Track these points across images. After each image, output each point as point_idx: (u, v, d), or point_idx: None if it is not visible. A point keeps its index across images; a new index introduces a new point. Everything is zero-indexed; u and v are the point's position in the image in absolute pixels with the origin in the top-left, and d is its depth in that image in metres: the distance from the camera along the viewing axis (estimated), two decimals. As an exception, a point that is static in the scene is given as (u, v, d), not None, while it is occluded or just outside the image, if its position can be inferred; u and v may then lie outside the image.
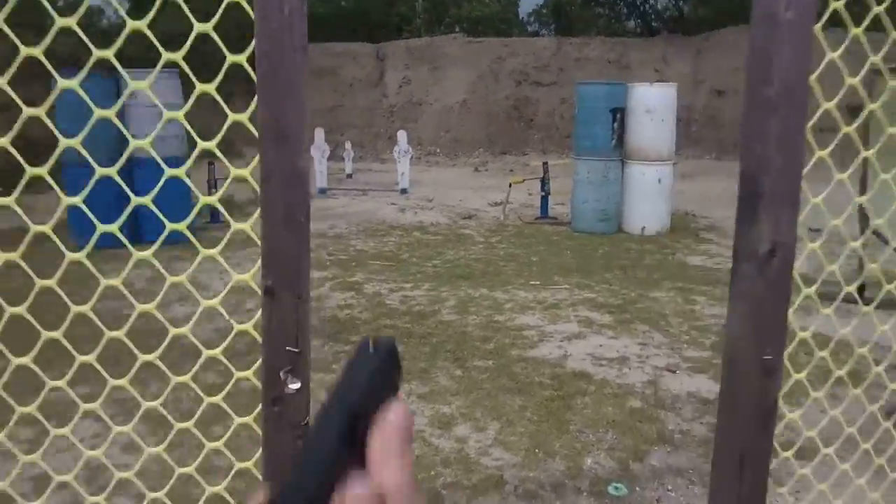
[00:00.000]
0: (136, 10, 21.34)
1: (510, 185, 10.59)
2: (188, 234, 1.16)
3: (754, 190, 0.94)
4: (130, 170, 8.04)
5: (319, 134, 12.48)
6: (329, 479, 0.33)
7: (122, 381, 1.22)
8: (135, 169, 8.03)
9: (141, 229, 8.15)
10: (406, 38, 21.36)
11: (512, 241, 8.88)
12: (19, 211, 1.13)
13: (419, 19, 25.06)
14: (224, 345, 1.36)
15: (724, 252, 8.76)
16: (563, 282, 6.90)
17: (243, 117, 0.95)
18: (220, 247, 1.12)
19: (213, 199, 1.10)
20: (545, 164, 10.38)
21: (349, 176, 14.28)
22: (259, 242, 0.91)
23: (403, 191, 12.49)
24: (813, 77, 0.94)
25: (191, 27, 0.89)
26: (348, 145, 14.72)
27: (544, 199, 10.17)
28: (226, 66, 0.93)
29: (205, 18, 0.94)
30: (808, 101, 0.94)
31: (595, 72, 17.87)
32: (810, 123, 0.97)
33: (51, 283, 1.08)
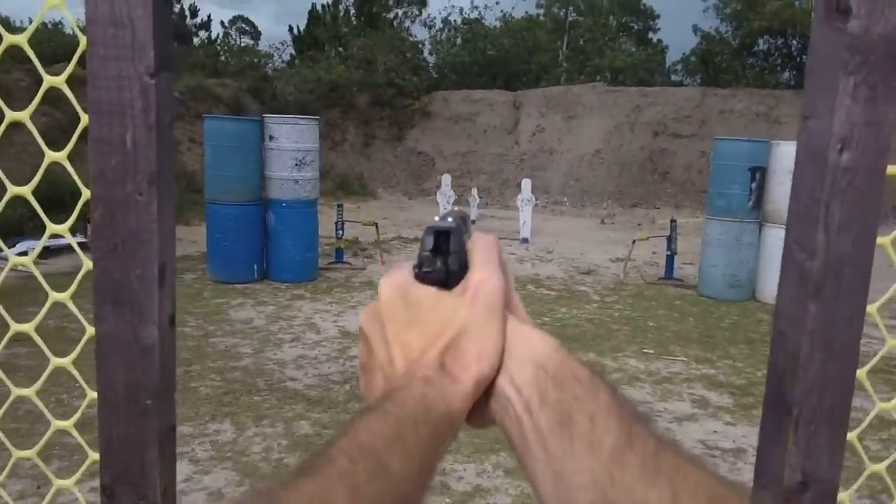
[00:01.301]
0: (300, 59, 23.06)
1: (633, 242, 10.17)
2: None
3: (782, 395, 0.76)
4: (266, 209, 8.58)
5: (447, 180, 12.69)
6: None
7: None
8: (269, 209, 8.57)
9: (270, 268, 8.64)
10: (544, 86, 21.45)
11: (629, 302, 8.46)
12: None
13: (561, 67, 25.14)
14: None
15: (872, 332, 7.78)
16: (681, 353, 6.45)
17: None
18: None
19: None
20: (673, 221, 9.89)
21: (473, 222, 14.37)
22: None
23: (524, 240, 12.37)
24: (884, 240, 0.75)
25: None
26: (475, 191, 14.87)
27: (670, 259, 9.67)
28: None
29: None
30: (868, 283, 0.74)
31: (740, 125, 16.95)
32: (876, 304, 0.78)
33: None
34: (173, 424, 0.77)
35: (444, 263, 0.47)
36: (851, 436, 0.86)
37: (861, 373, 0.82)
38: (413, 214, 15.36)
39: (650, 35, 30.82)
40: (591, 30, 26.95)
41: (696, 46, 26.00)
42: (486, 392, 0.45)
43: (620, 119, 18.63)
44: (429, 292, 0.47)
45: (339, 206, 10.14)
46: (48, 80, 0.70)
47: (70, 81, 0.72)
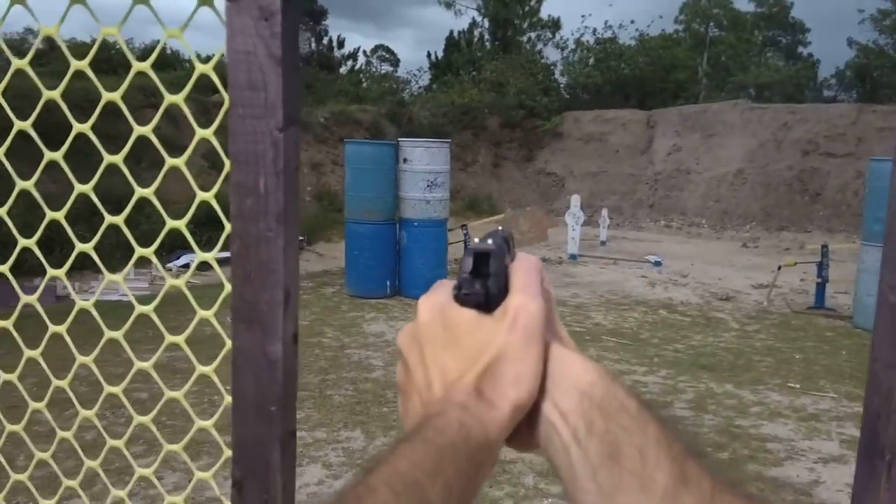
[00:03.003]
0: (436, 84, 23.85)
1: (779, 268, 9.54)
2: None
3: (876, 439, 0.74)
4: (399, 228, 8.97)
5: (576, 200, 12.57)
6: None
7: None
8: (402, 228, 8.93)
9: (402, 284, 8.98)
10: (681, 104, 20.72)
11: (773, 331, 7.94)
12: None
13: (700, 84, 24.18)
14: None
15: None
16: (831, 388, 5.96)
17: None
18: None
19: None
20: (824, 246, 9.18)
21: (603, 243, 14.11)
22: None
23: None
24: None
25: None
26: (605, 212, 14.59)
27: (820, 287, 8.97)
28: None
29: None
30: None
31: (905, 142, 15.46)
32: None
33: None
34: (293, 430, 0.87)
35: (483, 286, 0.46)
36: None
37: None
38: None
39: (800, 49, 28.92)
40: (734, 45, 25.71)
41: (852, 60, 24.10)
42: (530, 416, 0.44)
43: (765, 137, 17.58)
44: (467, 315, 0.46)
45: (464, 226, 10.35)
46: (199, 133, 0.84)
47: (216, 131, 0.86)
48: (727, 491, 0.39)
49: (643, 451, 0.40)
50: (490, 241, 0.47)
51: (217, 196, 0.88)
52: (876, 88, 21.54)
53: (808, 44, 29.38)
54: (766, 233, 16.33)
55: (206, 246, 0.92)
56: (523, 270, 0.47)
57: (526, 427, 0.45)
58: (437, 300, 0.48)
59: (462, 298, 0.46)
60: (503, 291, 0.46)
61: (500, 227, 0.52)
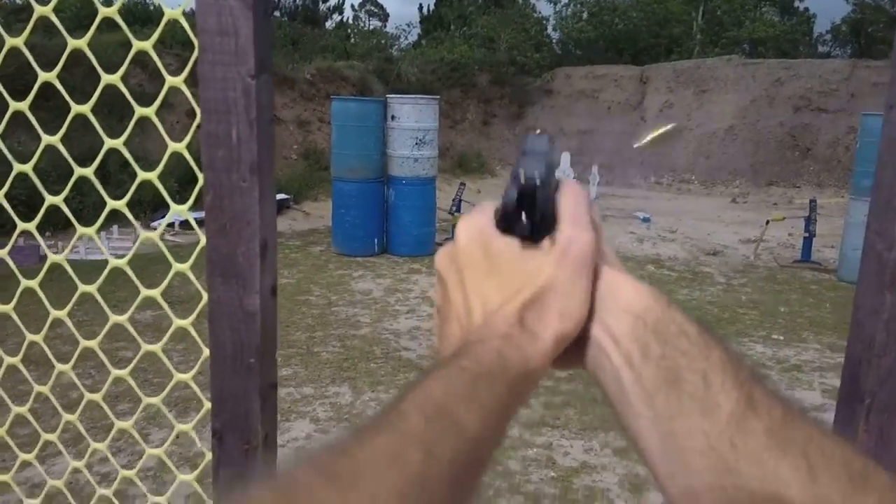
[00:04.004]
0: (426, 39, 23.41)
1: (767, 222, 9.59)
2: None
3: (856, 384, 0.74)
4: (387, 186, 8.91)
5: (566, 158, 12.48)
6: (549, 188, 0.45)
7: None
8: (390, 186, 8.88)
9: (390, 242, 8.98)
10: (675, 60, 20.47)
11: (759, 285, 8.02)
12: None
13: (695, 40, 23.86)
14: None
15: None
16: (814, 340, 6.06)
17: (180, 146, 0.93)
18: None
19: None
20: (812, 201, 9.22)
21: (594, 200, 14.10)
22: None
23: (646, 219, 12.00)
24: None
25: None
26: (595, 169, 14.53)
27: (807, 241, 9.04)
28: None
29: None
30: None
31: None
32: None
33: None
34: (274, 382, 0.88)
35: (529, 218, 0.44)
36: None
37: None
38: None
39: (796, 4, 28.46)
40: (730, 0, 25.28)
41: (848, 15, 23.78)
42: (577, 337, 0.43)
43: (758, 93, 17.45)
44: (512, 245, 0.44)
45: (462, 184, 10.29)
46: (169, 81, 0.82)
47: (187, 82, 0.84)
48: (799, 417, 0.37)
49: (706, 375, 0.39)
50: (535, 170, 0.44)
51: (194, 148, 0.86)
52: (871, 44, 21.32)
53: (805, -2, 28.93)
54: (755, 188, 16.35)
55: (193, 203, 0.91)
56: (573, 200, 0.45)
57: (573, 348, 0.44)
58: (479, 224, 0.46)
59: (507, 229, 0.44)
60: (550, 222, 0.44)
61: (542, 133, 0.48)
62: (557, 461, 3.79)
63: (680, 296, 7.39)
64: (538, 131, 0.49)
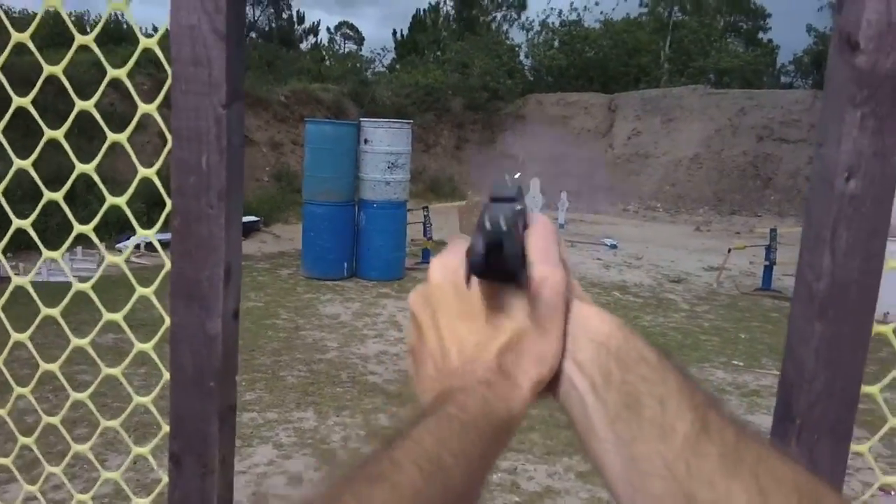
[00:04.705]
0: (400, 63, 23.59)
1: (729, 251, 9.81)
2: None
3: (788, 405, 0.79)
4: (358, 210, 8.91)
5: (535, 184, 12.66)
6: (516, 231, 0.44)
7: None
8: (361, 209, 8.88)
9: (359, 266, 8.95)
10: (643, 88, 20.95)
11: (721, 312, 8.18)
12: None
13: (662, 69, 24.46)
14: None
15: None
16: (773, 366, 6.19)
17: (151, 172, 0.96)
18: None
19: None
20: (773, 230, 9.46)
21: (561, 226, 14.27)
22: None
23: (613, 246, 12.17)
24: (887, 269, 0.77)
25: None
26: (563, 195, 14.74)
27: (768, 270, 9.26)
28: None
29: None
30: (874, 306, 0.77)
31: (853, 130, 15.93)
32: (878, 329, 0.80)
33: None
34: (233, 404, 0.89)
35: (497, 265, 0.43)
36: (863, 448, 0.88)
37: (874, 389, 0.85)
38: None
39: (760, 35, 29.42)
40: (696, 30, 26.04)
41: (810, 47, 24.65)
42: None
43: (722, 122, 17.94)
44: (484, 286, 0.44)
45: (425, 208, 10.34)
46: (142, 108, 0.84)
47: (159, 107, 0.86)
48: (751, 440, 0.38)
49: (663, 400, 0.40)
50: (502, 218, 0.43)
51: (163, 172, 0.88)
52: (829, 77, 22.06)
53: (769, 29, 29.88)
54: (718, 217, 16.72)
55: (152, 228, 0.92)
56: (541, 238, 0.45)
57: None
58: (451, 264, 0.46)
59: (477, 272, 0.44)
60: (520, 262, 0.44)
61: (509, 178, 0.49)
62: (521, 485, 3.79)
63: (644, 322, 7.50)
64: (507, 177, 0.50)
